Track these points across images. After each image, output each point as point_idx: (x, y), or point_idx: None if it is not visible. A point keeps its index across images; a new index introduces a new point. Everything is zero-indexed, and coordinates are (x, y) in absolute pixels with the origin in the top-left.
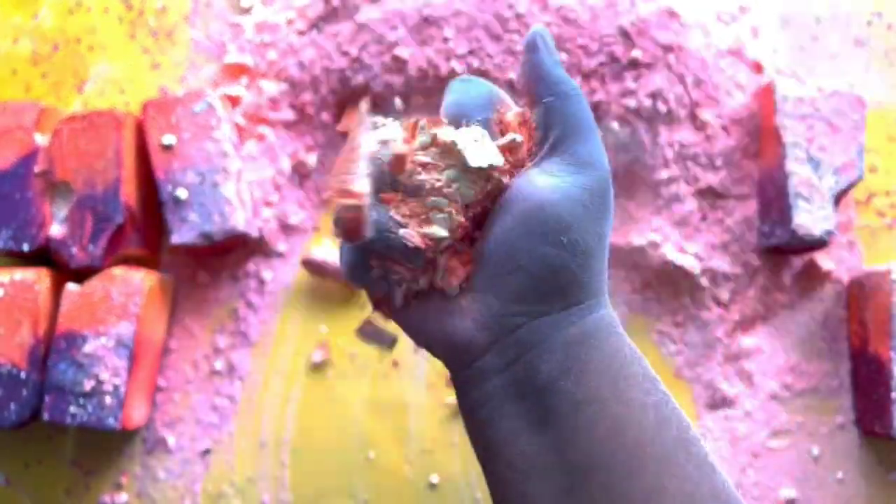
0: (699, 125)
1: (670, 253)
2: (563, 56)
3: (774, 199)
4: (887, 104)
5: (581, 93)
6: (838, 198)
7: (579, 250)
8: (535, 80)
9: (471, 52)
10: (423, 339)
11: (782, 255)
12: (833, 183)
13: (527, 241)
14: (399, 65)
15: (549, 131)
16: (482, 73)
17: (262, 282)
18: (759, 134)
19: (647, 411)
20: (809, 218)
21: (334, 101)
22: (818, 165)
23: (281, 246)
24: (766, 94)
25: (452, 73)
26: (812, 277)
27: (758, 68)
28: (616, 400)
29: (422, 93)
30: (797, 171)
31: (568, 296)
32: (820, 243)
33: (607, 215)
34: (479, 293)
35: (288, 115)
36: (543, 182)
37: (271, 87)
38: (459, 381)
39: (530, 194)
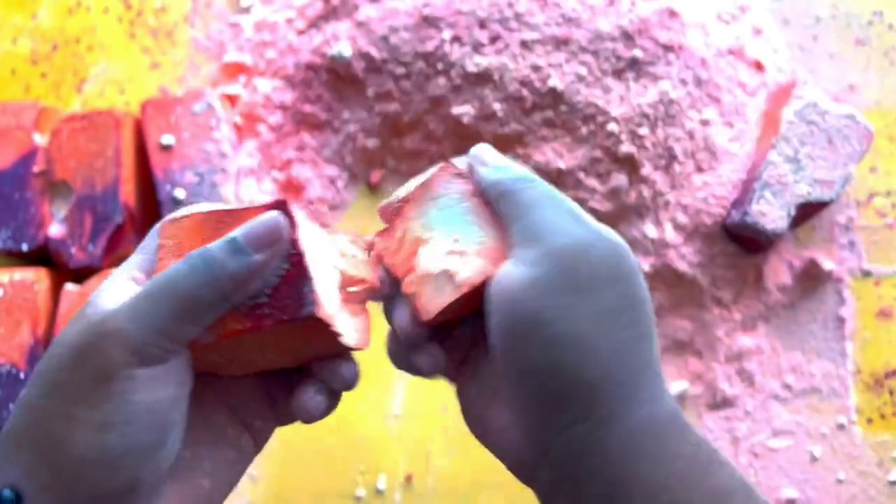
0: (701, 124)
1: (669, 254)
2: (562, 56)
3: (748, 182)
4: (887, 104)
5: (525, 177)
6: (802, 209)
7: (578, 344)
8: (487, 196)
9: (471, 51)
10: (487, 446)
11: (739, 247)
12: (805, 192)
13: (519, 348)
14: (399, 65)
15: (511, 228)
16: (482, 73)
17: None
18: (765, 122)
19: None
20: (767, 209)
21: (332, 100)
22: (799, 169)
23: None
24: (787, 89)
25: (452, 74)
26: (812, 277)
27: (759, 67)
28: None
29: (422, 93)
30: (777, 163)
31: (585, 399)
32: (763, 237)
33: (603, 284)
34: (510, 405)
35: (286, 114)
36: (511, 273)
37: (268, 86)
38: (535, 491)
39: (501, 293)
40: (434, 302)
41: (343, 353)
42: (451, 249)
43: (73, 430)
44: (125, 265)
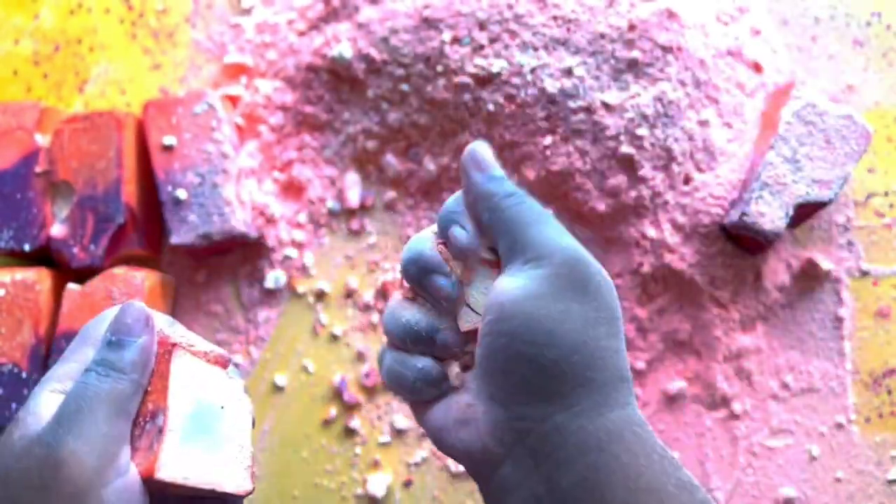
0: (700, 125)
1: (668, 255)
2: (562, 57)
3: (746, 182)
4: (886, 104)
5: (516, 193)
6: (800, 209)
7: (565, 343)
8: (474, 202)
9: (470, 53)
10: (445, 449)
11: (737, 247)
12: (804, 192)
13: (507, 343)
14: (399, 66)
15: (500, 241)
16: (481, 73)
17: (261, 282)
18: (763, 122)
19: None
20: (765, 210)
21: (333, 101)
22: (798, 169)
23: (279, 246)
24: (785, 90)
25: (451, 75)
26: (810, 277)
27: (758, 68)
28: None
29: (421, 94)
30: (775, 163)
31: (567, 393)
32: (762, 237)
33: (588, 298)
34: (485, 402)
35: (287, 115)
36: (507, 284)
37: (269, 87)
38: (484, 493)
39: (496, 297)
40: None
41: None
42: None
43: None
44: (49, 377)
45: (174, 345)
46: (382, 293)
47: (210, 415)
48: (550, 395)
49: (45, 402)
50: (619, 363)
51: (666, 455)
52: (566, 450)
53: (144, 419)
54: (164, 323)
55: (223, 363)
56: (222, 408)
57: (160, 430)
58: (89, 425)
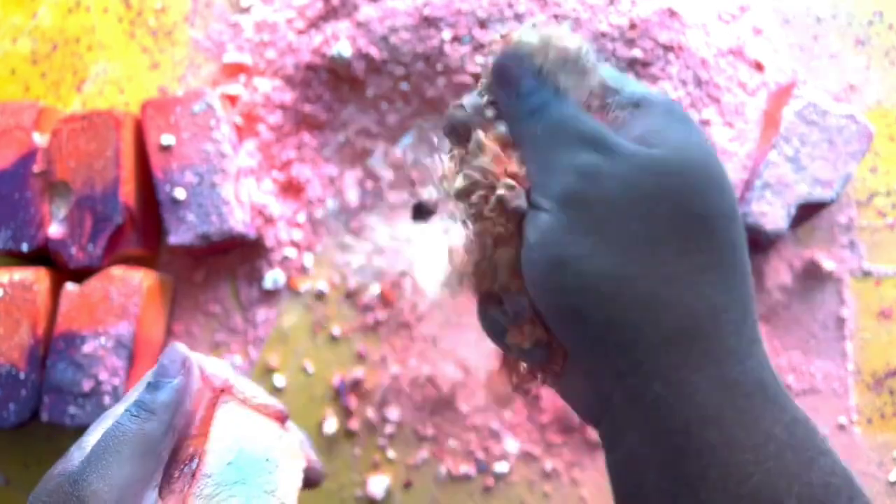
0: (701, 124)
1: None
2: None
3: (748, 182)
4: (888, 103)
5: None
6: (802, 209)
7: (599, 286)
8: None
9: (471, 51)
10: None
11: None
12: (806, 192)
13: (548, 294)
14: (398, 65)
15: (528, 165)
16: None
17: (260, 282)
18: (765, 121)
19: None
20: (767, 209)
21: (332, 100)
22: (799, 169)
23: (278, 246)
24: (787, 89)
25: (451, 74)
26: (812, 277)
27: (759, 67)
28: None
29: (421, 94)
30: (777, 163)
31: (633, 350)
32: (764, 237)
33: (632, 217)
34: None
35: (286, 114)
36: (528, 225)
37: (268, 86)
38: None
39: (527, 243)
40: None
41: None
42: None
43: None
44: (108, 414)
45: (221, 391)
46: None
47: (252, 465)
48: (613, 355)
49: (95, 439)
50: (703, 291)
51: (792, 441)
52: (652, 423)
53: (183, 462)
54: (227, 372)
55: (281, 418)
56: (267, 460)
57: (193, 475)
58: (114, 465)
